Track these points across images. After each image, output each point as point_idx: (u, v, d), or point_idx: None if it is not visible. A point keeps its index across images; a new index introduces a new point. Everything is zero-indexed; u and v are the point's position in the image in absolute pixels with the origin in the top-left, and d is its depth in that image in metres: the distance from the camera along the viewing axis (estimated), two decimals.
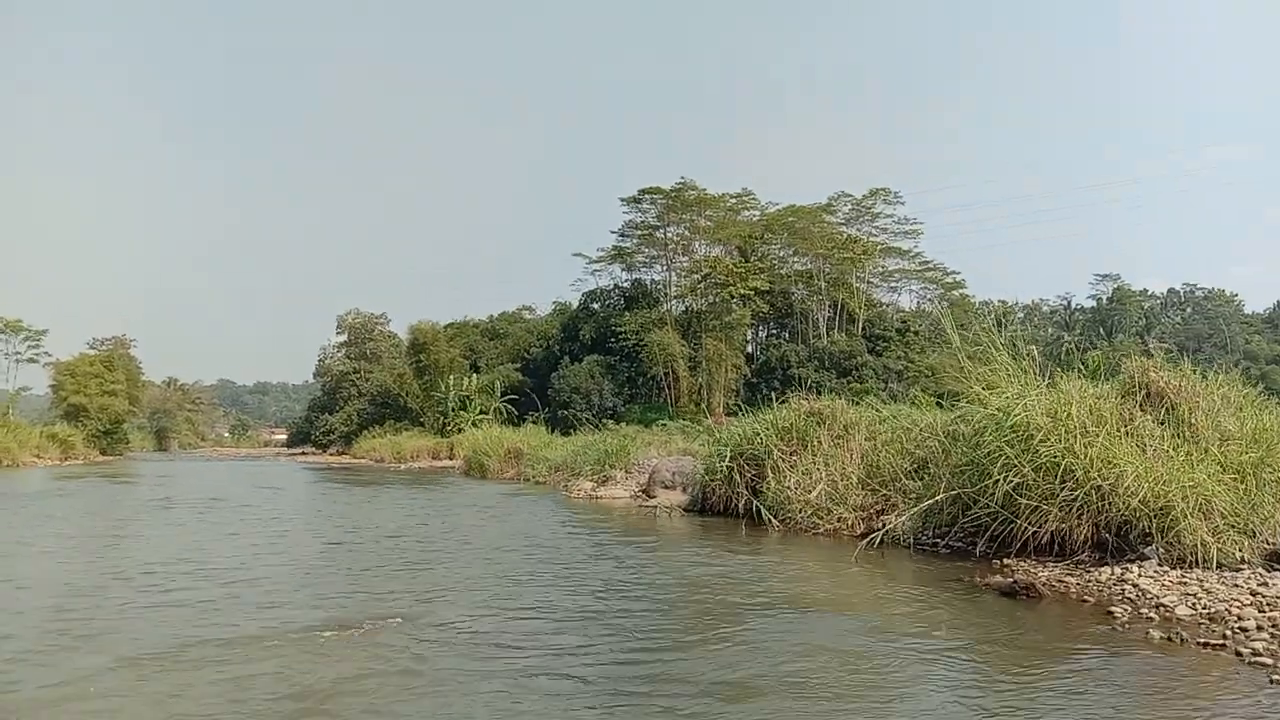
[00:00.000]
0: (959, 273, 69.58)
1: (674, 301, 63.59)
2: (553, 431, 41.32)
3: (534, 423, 46.88)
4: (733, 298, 58.50)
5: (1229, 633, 7.15)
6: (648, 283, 65.43)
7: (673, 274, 64.39)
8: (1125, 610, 8.07)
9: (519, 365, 64.90)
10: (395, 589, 9.75)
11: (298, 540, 14.44)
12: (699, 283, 60.45)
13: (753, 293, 58.83)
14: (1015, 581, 9.14)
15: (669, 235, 63.00)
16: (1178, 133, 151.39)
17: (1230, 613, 7.72)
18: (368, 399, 72.29)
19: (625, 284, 65.88)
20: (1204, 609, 7.94)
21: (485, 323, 75.93)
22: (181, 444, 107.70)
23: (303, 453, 76.72)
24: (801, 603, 8.93)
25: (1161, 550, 9.76)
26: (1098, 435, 10.41)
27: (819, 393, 27.17)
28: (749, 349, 64.32)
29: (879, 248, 64.75)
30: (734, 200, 64.54)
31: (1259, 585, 8.58)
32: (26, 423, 56.14)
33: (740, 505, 16.71)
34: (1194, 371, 12.50)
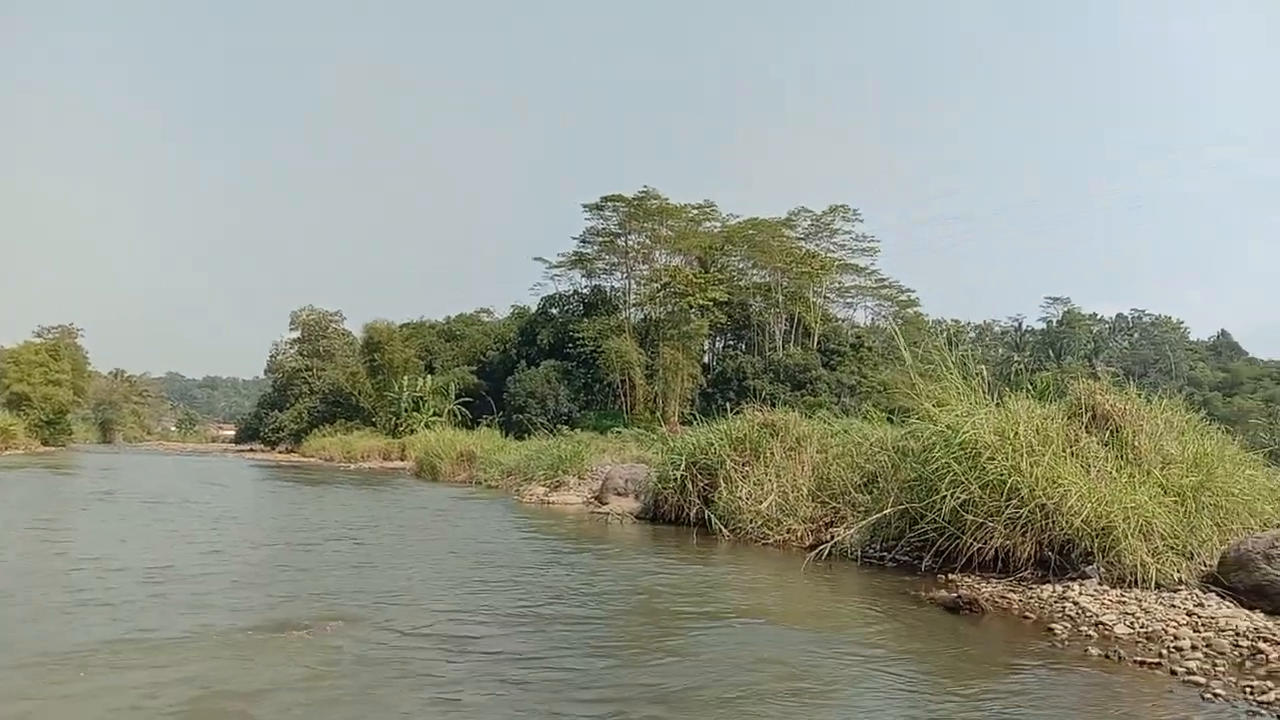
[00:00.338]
0: (914, 290, 70.63)
1: (633, 309, 63.72)
2: (507, 435, 41.11)
3: (488, 426, 46.56)
4: (691, 308, 58.76)
5: (1165, 651, 7.32)
6: (607, 289, 65.53)
7: (632, 282, 64.55)
8: (1065, 627, 8.22)
9: (475, 368, 64.56)
10: (337, 590, 9.62)
11: (238, 539, 14.18)
12: (658, 291, 60.67)
13: (711, 303, 59.14)
14: (959, 597, 9.27)
15: (630, 243, 63.14)
16: (1129, 163, 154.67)
17: (1167, 632, 7.91)
18: (319, 397, 71.37)
19: (585, 290, 65.92)
20: (1142, 628, 8.12)
21: (442, 324, 75.40)
22: (126, 437, 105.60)
23: (250, 449, 75.58)
24: (748, 614, 8.97)
25: (1102, 569, 9.95)
26: (1044, 455, 10.60)
27: (773, 405, 27.40)
28: (706, 359, 64.61)
29: (836, 264, 65.46)
30: (695, 211, 64.89)
31: (1195, 606, 8.78)
32: None
33: (692, 514, 16.78)
34: (1139, 396, 12.79)
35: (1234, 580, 9.38)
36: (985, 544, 10.54)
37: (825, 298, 66.91)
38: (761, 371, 57.90)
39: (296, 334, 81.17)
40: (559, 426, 41.66)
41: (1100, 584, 9.74)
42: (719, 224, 65.97)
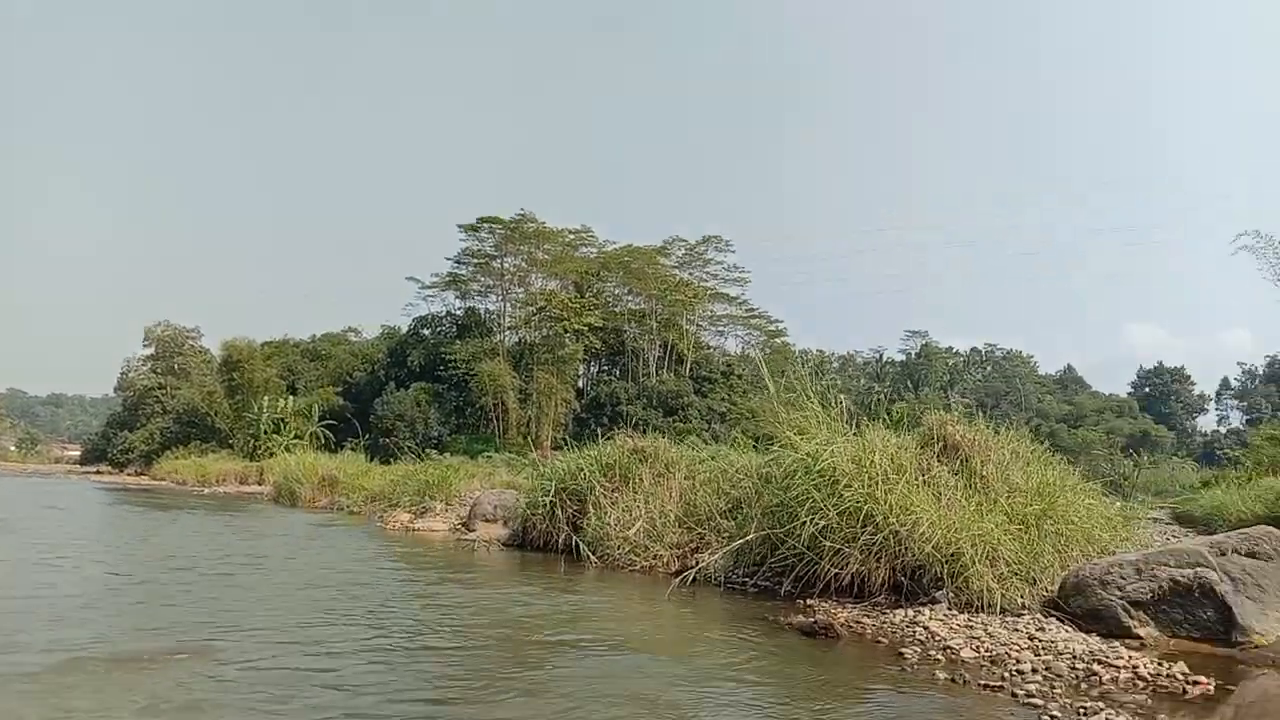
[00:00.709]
0: (781, 321, 72.47)
1: (507, 332, 63.25)
2: (373, 459, 40.00)
3: (353, 449, 45.24)
4: (566, 332, 58.73)
5: (1007, 675, 7.63)
6: (482, 312, 64.85)
7: (508, 304, 64.10)
8: (915, 651, 8.48)
9: (341, 389, 62.72)
10: (183, 623, 9.10)
11: (78, 567, 13.28)
12: (534, 315, 60.42)
13: (587, 328, 59.28)
14: (815, 622, 9.45)
15: (506, 265, 62.72)
16: (985, 206, 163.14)
17: (1010, 655, 8.25)
18: (173, 417, 67.97)
19: (458, 311, 65.01)
20: (986, 652, 8.44)
21: (306, 343, 73.05)
22: None
23: (97, 471, 71.17)
24: (610, 643, 8.90)
25: (951, 594, 10.32)
26: (898, 483, 10.97)
27: (646, 431, 27.55)
28: (580, 384, 64.57)
29: (709, 292, 66.61)
30: (573, 235, 65.03)
31: (1037, 630, 9.20)
32: None
33: (560, 540, 16.65)
34: (989, 426, 13.40)
35: (1073, 605, 9.88)
36: (842, 569, 10.80)
37: (698, 325, 67.95)
38: (635, 397, 58.24)
39: (150, 350, 77.23)
40: (428, 451, 40.83)
41: (949, 609, 10.09)
42: (595, 249, 66.31)
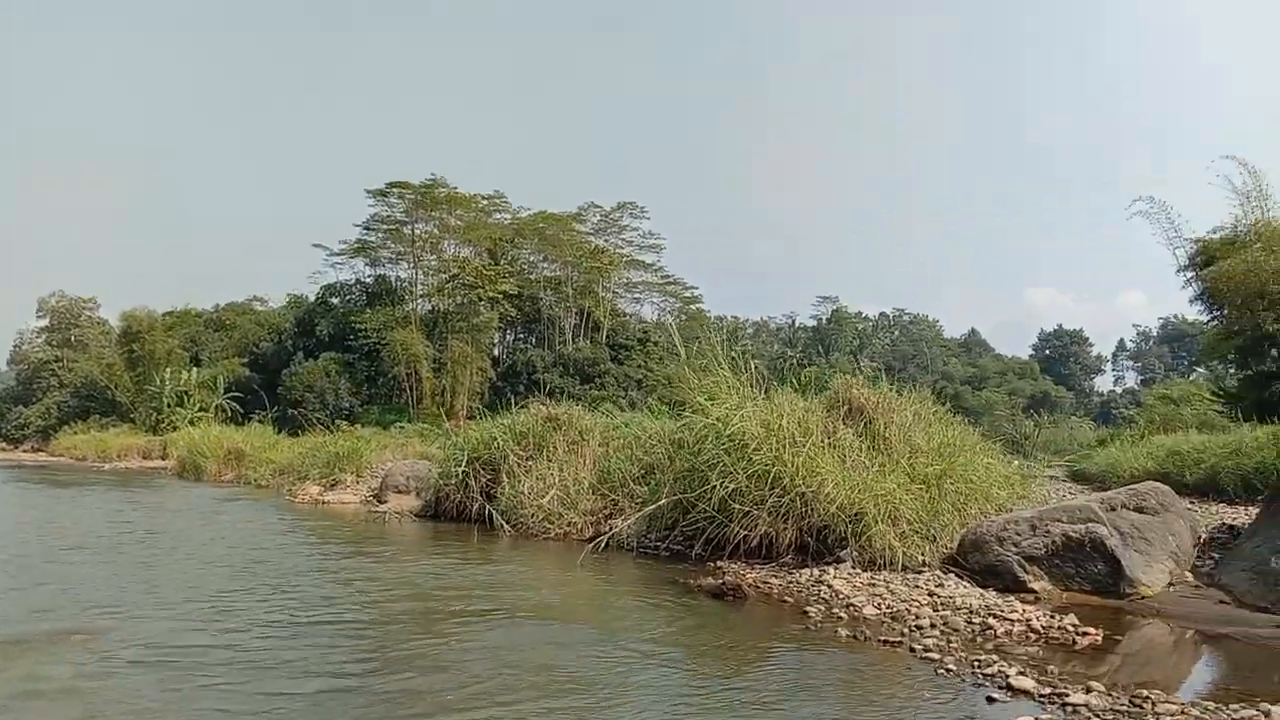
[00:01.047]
0: (697, 288, 72.77)
1: (420, 300, 62.01)
2: (281, 432, 39.05)
3: (261, 422, 44.10)
4: (481, 300, 57.91)
5: (906, 630, 7.85)
6: (392, 279, 63.42)
7: (419, 272, 62.81)
8: (819, 610, 8.66)
9: (246, 360, 60.87)
10: (78, 602, 8.79)
11: None
12: (447, 283, 59.36)
13: (501, 296, 58.52)
14: (724, 583, 9.58)
15: (417, 232, 61.44)
16: (903, 182, 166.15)
17: (910, 612, 8.48)
18: (70, 391, 65.17)
19: (368, 279, 63.51)
20: (888, 608, 8.67)
21: (210, 313, 70.63)
22: None
23: None
24: (521, 611, 8.88)
25: (855, 553, 10.57)
26: (804, 446, 11.14)
27: (564, 398, 27.45)
28: (496, 352, 63.90)
29: (624, 259, 66.44)
30: (485, 201, 63.96)
31: (936, 586, 9.48)
32: None
33: (474, 510, 16.52)
34: (896, 388, 13.71)
35: (971, 561, 10.21)
36: (751, 531, 10.96)
37: (614, 293, 67.76)
38: (551, 365, 57.93)
39: (45, 322, 73.72)
40: (338, 422, 40.03)
41: (853, 567, 10.33)
42: (509, 216, 65.36)
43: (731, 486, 11.13)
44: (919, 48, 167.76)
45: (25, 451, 60.60)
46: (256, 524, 16.99)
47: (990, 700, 5.86)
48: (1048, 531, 9.75)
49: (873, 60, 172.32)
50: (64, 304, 73.16)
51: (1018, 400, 79.05)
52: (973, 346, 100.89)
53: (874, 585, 9.55)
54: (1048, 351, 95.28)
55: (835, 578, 9.86)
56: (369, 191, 59.44)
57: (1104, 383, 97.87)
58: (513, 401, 18.92)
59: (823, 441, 11.54)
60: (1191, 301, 25.20)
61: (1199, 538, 11.16)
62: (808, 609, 8.67)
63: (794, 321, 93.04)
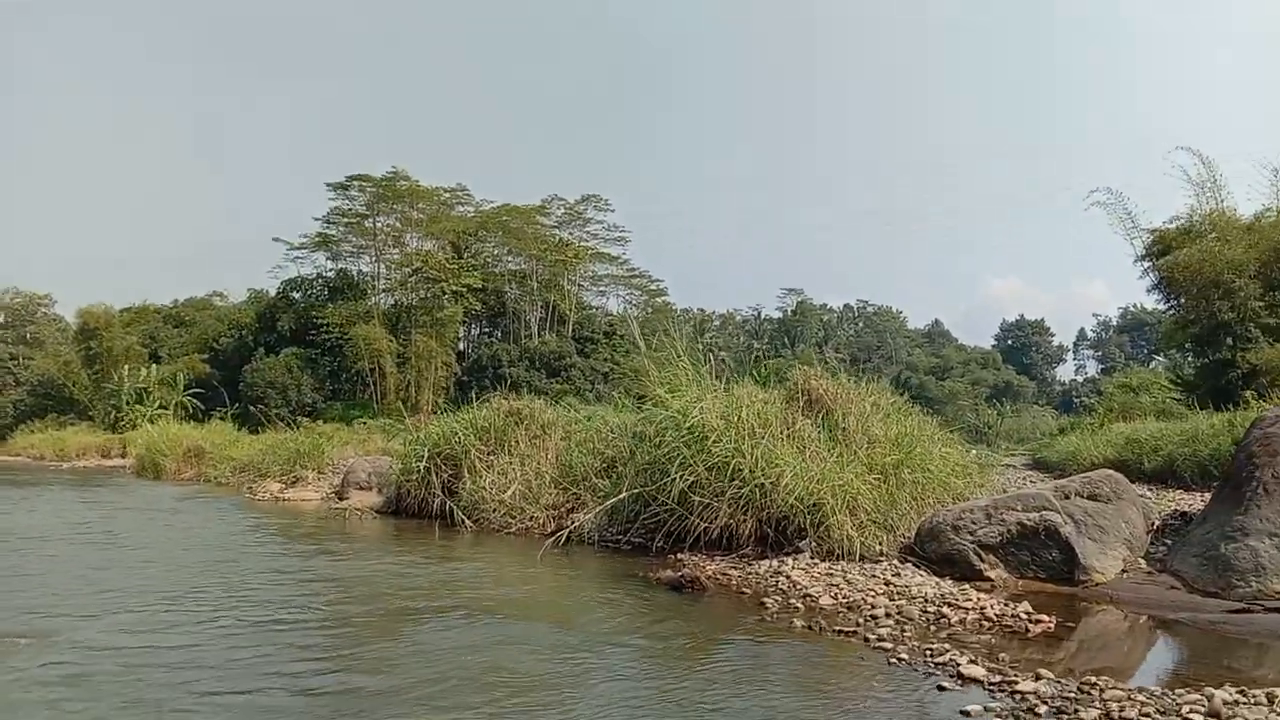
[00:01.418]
0: (663, 280, 72.84)
1: (383, 295, 61.50)
2: (242, 429, 38.57)
3: (221, 419, 43.49)
4: (445, 294, 57.50)
5: (861, 620, 7.87)
6: (354, 274, 62.83)
7: (382, 266, 62.26)
8: (776, 601, 8.66)
9: (207, 356, 60.02)
10: (30, 606, 8.58)
11: None
12: (410, 276, 58.88)
13: (466, 290, 58.15)
14: (682, 576, 9.57)
15: (379, 225, 60.86)
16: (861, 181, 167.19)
17: (865, 602, 8.52)
18: (27, 389, 63.96)
19: (330, 274, 62.84)
20: (844, 599, 8.69)
21: (169, 308, 69.59)
22: None
23: None
24: (478, 607, 8.79)
25: (814, 544, 10.59)
26: (763, 437, 11.15)
27: (530, 392, 27.33)
28: (461, 346, 63.55)
29: (589, 252, 66.30)
30: (448, 194, 63.51)
31: (893, 576, 9.52)
32: None
33: (435, 506, 16.38)
34: (858, 379, 13.77)
35: (928, 550, 10.28)
36: (711, 523, 10.95)
37: (579, 286, 67.63)
38: (517, 359, 57.72)
39: None
40: (299, 419, 39.59)
41: (812, 558, 10.35)
42: (473, 209, 64.97)
43: (691, 479, 11.12)
44: (880, 40, 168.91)
45: None
46: (214, 523, 16.75)
47: (940, 689, 5.88)
48: (1003, 520, 9.83)
49: (833, 51, 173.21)
50: (19, 300, 71.85)
51: (981, 390, 79.90)
52: (936, 337, 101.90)
53: (831, 575, 9.57)
54: (1010, 341, 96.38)
55: (794, 568, 9.88)
56: (329, 185, 58.83)
57: (1065, 372, 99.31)
58: (478, 396, 18.78)
59: (781, 433, 11.56)
60: (1149, 291, 25.65)
61: (1152, 524, 11.30)
62: (765, 600, 8.67)
63: (760, 314, 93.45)
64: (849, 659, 6.74)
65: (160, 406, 51.08)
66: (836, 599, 8.64)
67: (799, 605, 8.48)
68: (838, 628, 7.58)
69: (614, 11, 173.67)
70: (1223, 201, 22.98)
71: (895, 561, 10.22)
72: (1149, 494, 15.02)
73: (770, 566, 10.05)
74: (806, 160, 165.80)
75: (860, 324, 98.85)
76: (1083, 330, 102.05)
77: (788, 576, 9.54)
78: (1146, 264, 24.54)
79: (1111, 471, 11.33)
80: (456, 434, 16.82)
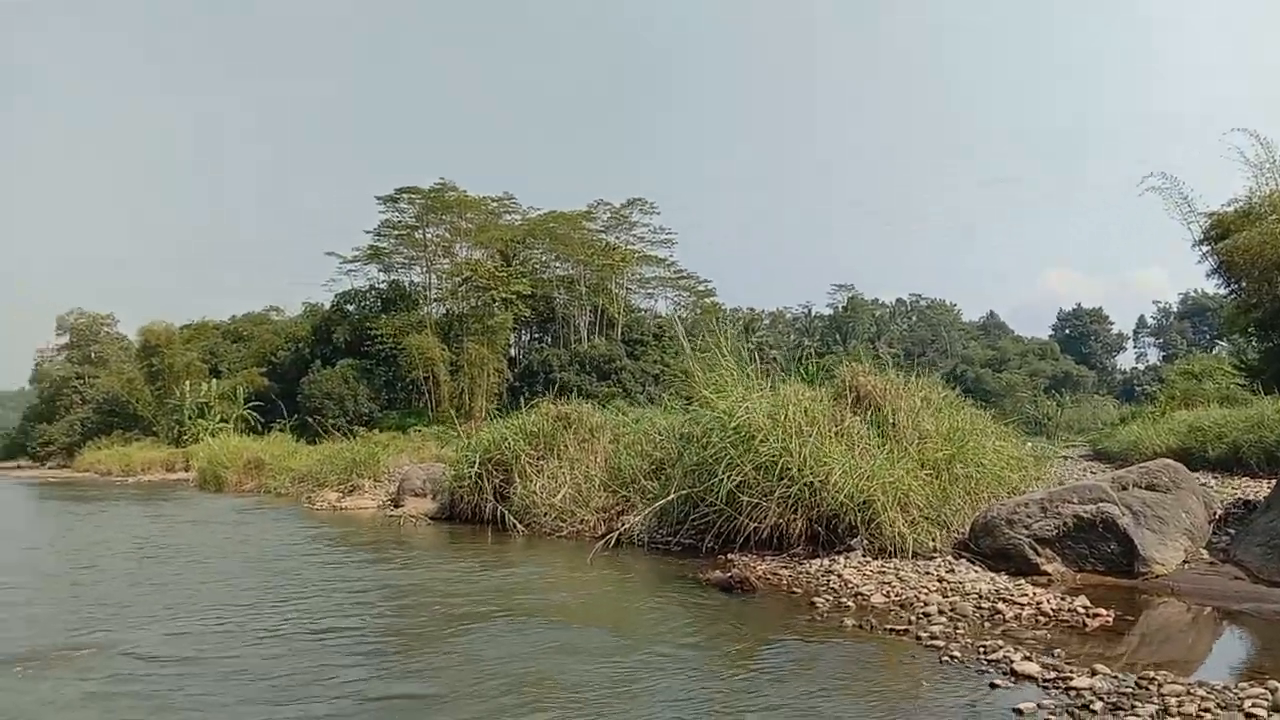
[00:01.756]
0: (710, 281, 72.61)
1: (434, 304, 62.24)
2: (301, 440, 39.27)
3: (281, 431, 44.32)
4: (495, 301, 58.02)
5: (914, 618, 7.76)
6: (406, 284, 63.66)
7: (433, 276, 62.99)
8: (827, 600, 8.58)
9: (265, 370, 61.23)
10: (94, 616, 8.86)
11: None
12: (460, 285, 59.55)
13: (515, 296, 58.63)
14: (731, 577, 9.53)
15: (428, 236, 61.61)
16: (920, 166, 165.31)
17: (918, 599, 8.40)
18: (93, 407, 65.80)
19: (382, 285, 63.76)
20: (896, 596, 8.59)
21: (227, 324, 71.18)
22: None
23: (17, 466, 68.81)
24: (534, 612, 8.82)
25: (866, 542, 10.49)
26: (810, 435, 11.07)
27: (580, 396, 27.41)
28: (512, 353, 64.03)
29: (636, 255, 66.37)
30: (495, 203, 64.09)
31: (946, 573, 9.39)
32: None
33: (487, 511, 16.53)
34: (913, 374, 13.61)
35: (982, 545, 10.11)
36: (761, 523, 10.90)
37: (627, 289, 67.74)
38: (568, 363, 57.99)
39: (65, 339, 74.64)
40: (357, 428, 40.20)
41: (864, 556, 10.24)
42: (520, 217, 65.48)
43: (738, 479, 11.08)
44: (921, 27, 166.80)
45: (51, 468, 61.20)
46: (273, 533, 17.07)
47: (993, 686, 5.78)
48: (1058, 513, 9.64)
49: (878, 43, 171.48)
50: (83, 321, 73.92)
51: (1039, 381, 78.42)
52: (992, 329, 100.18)
53: (884, 573, 9.46)
54: (1068, 331, 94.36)
55: (845, 567, 9.79)
56: (379, 198, 59.69)
57: (1126, 360, 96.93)
58: (529, 401, 18.93)
59: (830, 430, 11.46)
60: (1209, 275, 24.95)
61: (1214, 513, 11.01)
62: (815, 599, 8.60)
63: (810, 311, 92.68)
64: (900, 658, 6.65)
65: (221, 420, 52.20)
66: (888, 597, 8.53)
67: (850, 604, 8.40)
68: (889, 626, 7.49)
69: (627, 12, 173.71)
70: None
71: (949, 558, 10.07)
72: (1211, 482, 14.65)
73: (821, 565, 9.97)
74: (841, 153, 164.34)
75: (914, 318, 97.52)
76: (1142, 317, 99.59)
77: (839, 575, 9.45)
78: (1205, 248, 23.89)
79: (1170, 461, 11.06)
80: (506, 440, 16.96)
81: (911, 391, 12.73)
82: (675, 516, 12.54)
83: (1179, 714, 5.09)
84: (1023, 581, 8.95)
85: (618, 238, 66.26)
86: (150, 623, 8.52)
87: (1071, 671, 5.88)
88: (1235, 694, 5.30)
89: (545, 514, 15.05)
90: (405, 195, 58.92)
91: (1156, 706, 5.19)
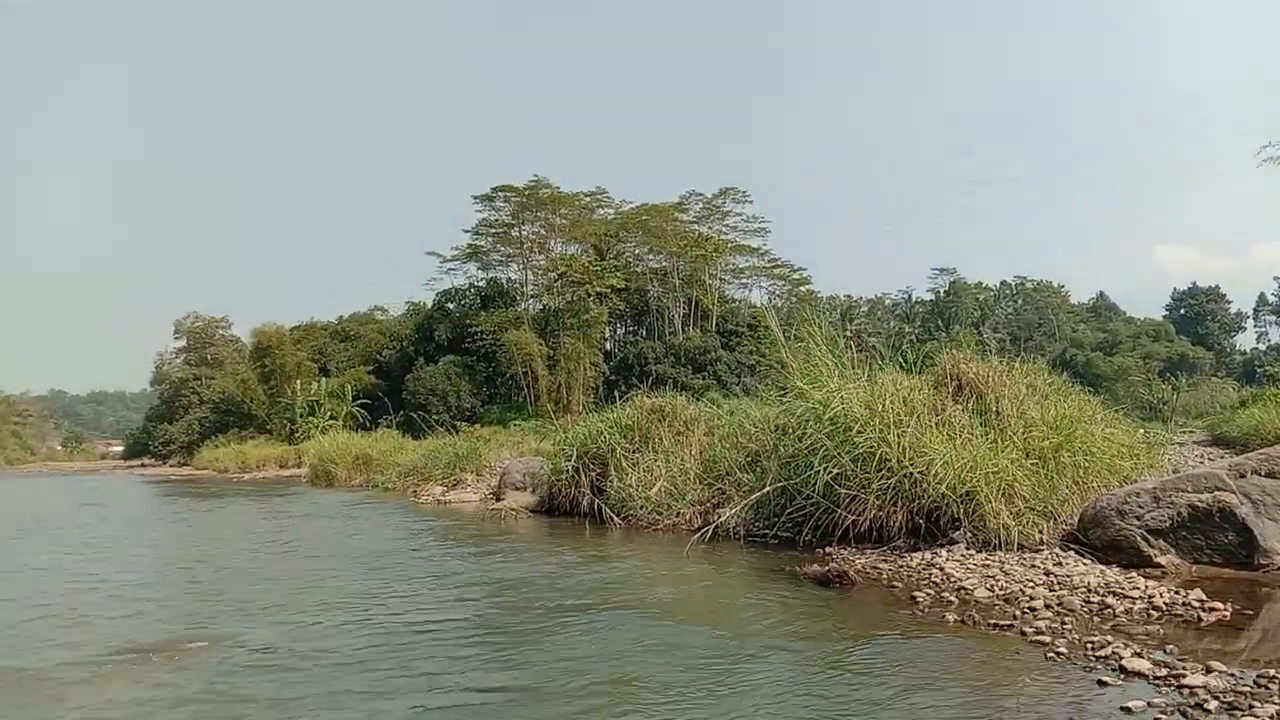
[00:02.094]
0: (806, 269, 71.80)
1: (531, 300, 63.27)
2: (406, 435, 40.39)
3: (387, 427, 45.67)
4: (590, 296, 58.60)
5: (1018, 613, 7.55)
6: (504, 281, 64.82)
7: (529, 272, 64.01)
8: (928, 595, 8.42)
9: (372, 368, 63.14)
10: (210, 608, 9.30)
11: (109, 561, 13.52)
12: (555, 281, 60.33)
13: (609, 290, 59.10)
14: (829, 570, 9.41)
15: (524, 233, 62.57)
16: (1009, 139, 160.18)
17: (1023, 593, 8.17)
18: (210, 406, 68.87)
19: (481, 283, 65.04)
20: (1001, 590, 8.37)
21: (334, 324, 73.59)
22: (8, 459, 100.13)
23: (141, 464, 72.52)
24: (631, 607, 8.87)
25: (968, 534, 10.25)
26: (909, 425, 10.85)
27: (675, 388, 27.47)
28: (607, 346, 64.57)
29: (729, 245, 66.10)
30: (588, 198, 64.72)
31: (1054, 565, 9.12)
32: None
33: (585, 504, 16.72)
34: (1020, 359, 13.23)
35: (1092, 537, 9.78)
36: (860, 515, 10.75)
37: (721, 280, 67.56)
38: (663, 356, 58.17)
39: (182, 342, 78.33)
40: (460, 424, 41.13)
41: (967, 549, 10.02)
42: (612, 210, 65.97)
43: (835, 470, 10.95)
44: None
45: (171, 466, 64.33)
46: (380, 527, 17.60)
47: (1101, 684, 5.59)
48: (1172, 502, 9.26)
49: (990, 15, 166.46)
50: (199, 324, 77.32)
51: (1153, 364, 75.12)
52: (1102, 311, 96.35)
53: (988, 567, 9.25)
54: (1182, 311, 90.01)
55: (947, 560, 9.60)
56: (475, 197, 60.84)
57: (1246, 340, 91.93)
58: (623, 395, 19.09)
59: (930, 420, 11.22)
60: None
61: None
62: (916, 594, 8.44)
63: (910, 296, 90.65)
64: (1004, 654, 6.49)
65: (331, 417, 54.00)
66: (992, 591, 8.33)
67: (952, 599, 8.23)
68: (993, 621, 7.31)
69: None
70: None
71: (1056, 550, 9.77)
72: None
73: (922, 559, 9.79)
74: (963, 129, 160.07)
75: (1019, 301, 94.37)
76: (1263, 295, 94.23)
77: (941, 569, 9.27)
78: None
79: None
80: (602, 433, 17.12)
81: (1015, 378, 12.37)
82: (771, 509, 12.47)
83: None
84: (1134, 574, 8.63)
85: (710, 228, 66.11)
86: (262, 616, 8.88)
87: (1185, 669, 5.65)
88: None
89: (641, 507, 15.13)
90: (501, 193, 59.88)
91: (1277, 707, 4.95)
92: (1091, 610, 7.53)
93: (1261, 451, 10.13)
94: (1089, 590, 8.08)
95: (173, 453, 68.76)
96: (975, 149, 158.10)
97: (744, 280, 71.49)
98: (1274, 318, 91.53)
